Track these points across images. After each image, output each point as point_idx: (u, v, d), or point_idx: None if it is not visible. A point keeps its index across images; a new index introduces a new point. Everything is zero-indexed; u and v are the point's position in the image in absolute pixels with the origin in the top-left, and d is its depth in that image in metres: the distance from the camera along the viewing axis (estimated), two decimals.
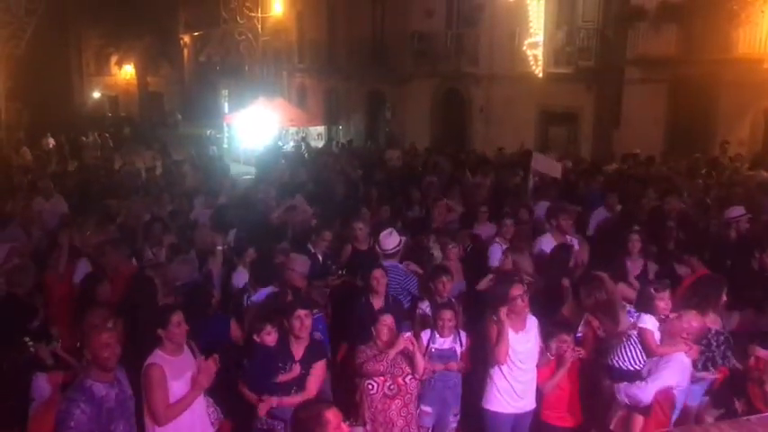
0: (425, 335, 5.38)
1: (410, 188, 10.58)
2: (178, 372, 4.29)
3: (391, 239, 6.62)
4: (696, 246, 7.07)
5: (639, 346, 5.14)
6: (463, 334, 5.47)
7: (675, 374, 4.79)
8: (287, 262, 6.37)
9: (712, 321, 5.40)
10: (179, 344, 4.44)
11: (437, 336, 5.37)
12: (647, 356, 5.07)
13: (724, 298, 5.53)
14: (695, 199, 9.66)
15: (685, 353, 4.85)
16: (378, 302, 5.89)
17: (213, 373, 4.35)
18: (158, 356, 4.33)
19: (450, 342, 5.38)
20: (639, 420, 4.89)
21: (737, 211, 7.94)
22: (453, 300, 6.03)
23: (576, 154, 16.17)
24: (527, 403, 5.19)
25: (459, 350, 5.40)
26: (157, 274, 5.90)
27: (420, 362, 5.01)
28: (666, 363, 4.85)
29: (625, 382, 4.93)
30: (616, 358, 5.21)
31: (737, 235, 7.64)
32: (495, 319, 5.07)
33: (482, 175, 11.87)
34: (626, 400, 4.86)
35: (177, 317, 4.42)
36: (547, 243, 7.16)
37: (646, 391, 4.78)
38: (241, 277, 6.54)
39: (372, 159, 16.28)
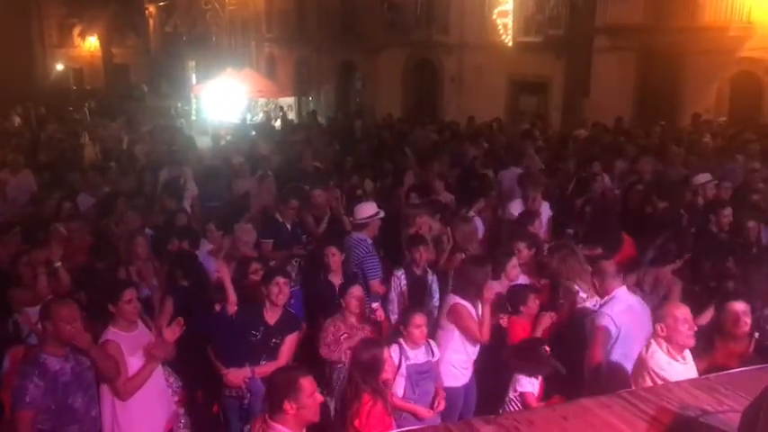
0: (395, 350, 4.52)
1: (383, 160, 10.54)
2: (133, 347, 4.23)
3: (363, 209, 6.42)
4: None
5: None
6: (433, 344, 4.75)
7: None
8: (238, 232, 6.33)
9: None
10: (131, 320, 4.36)
11: (407, 349, 4.62)
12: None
13: None
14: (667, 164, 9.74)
15: None
16: (336, 279, 5.70)
17: (170, 344, 4.32)
18: (111, 333, 4.26)
19: (423, 354, 4.66)
20: None
21: (703, 177, 8.06)
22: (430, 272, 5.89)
23: (546, 122, 16.25)
24: (471, 370, 5.17)
25: (433, 362, 4.73)
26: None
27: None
28: None
29: None
30: None
31: (704, 201, 7.75)
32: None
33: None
34: None
35: (129, 294, 4.32)
36: (515, 207, 7.26)
37: None
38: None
39: (344, 130, 16.14)
